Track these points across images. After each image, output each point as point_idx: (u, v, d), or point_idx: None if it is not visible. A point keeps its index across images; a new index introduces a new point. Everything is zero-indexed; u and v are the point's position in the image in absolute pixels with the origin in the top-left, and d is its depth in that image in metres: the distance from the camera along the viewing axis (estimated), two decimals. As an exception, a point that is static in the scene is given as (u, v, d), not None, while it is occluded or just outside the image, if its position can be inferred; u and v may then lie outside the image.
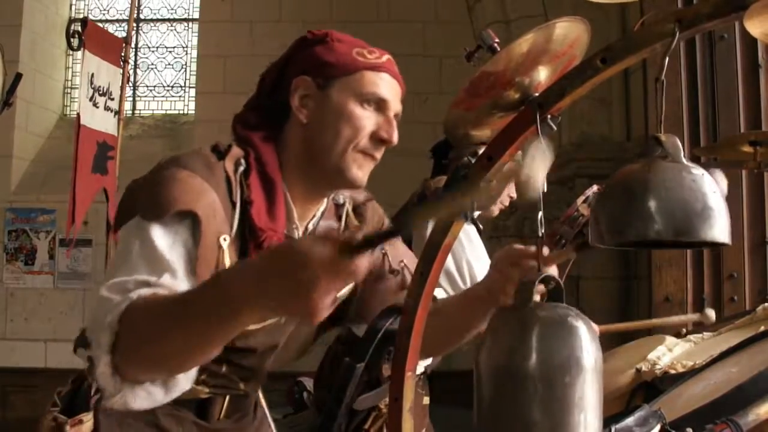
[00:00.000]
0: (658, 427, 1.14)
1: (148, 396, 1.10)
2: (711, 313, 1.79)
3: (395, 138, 1.35)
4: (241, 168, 1.29)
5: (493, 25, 4.89)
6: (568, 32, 0.94)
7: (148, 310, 1.05)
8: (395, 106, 1.37)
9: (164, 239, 1.16)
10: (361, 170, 1.33)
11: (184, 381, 1.12)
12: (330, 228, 1.43)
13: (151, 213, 1.17)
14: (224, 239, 1.22)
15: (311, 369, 2.49)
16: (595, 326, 0.86)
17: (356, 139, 1.31)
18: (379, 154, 1.36)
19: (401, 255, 1.53)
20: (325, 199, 1.43)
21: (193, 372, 1.13)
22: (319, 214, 1.42)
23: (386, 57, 1.39)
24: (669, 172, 0.78)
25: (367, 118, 1.33)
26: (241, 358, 1.36)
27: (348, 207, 1.49)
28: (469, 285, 2.25)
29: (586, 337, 0.81)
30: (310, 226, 1.40)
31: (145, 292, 1.08)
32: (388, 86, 1.36)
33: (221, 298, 0.96)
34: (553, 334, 0.81)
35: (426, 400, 2.28)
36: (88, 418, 1.29)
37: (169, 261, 1.14)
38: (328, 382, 2.15)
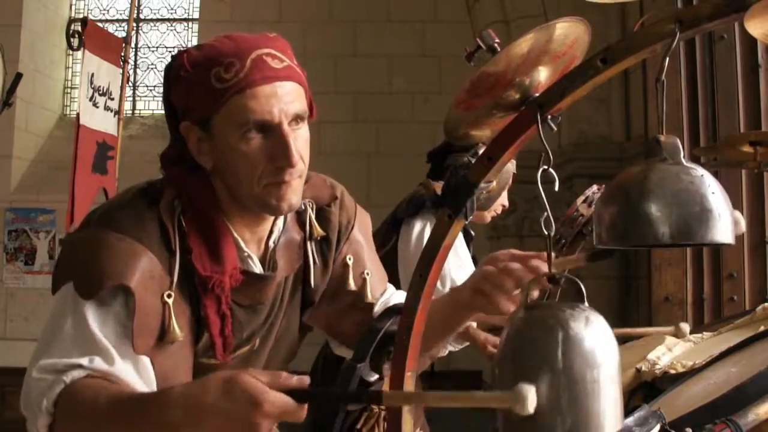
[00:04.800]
0: (658, 427, 1.14)
1: None
2: (685, 327, 1.81)
3: (294, 158, 1.17)
4: (178, 210, 1.22)
5: (493, 25, 4.89)
6: (569, 32, 0.94)
7: (82, 403, 1.08)
8: (286, 111, 1.18)
9: (96, 318, 1.14)
10: (282, 200, 1.20)
11: None
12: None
13: (83, 289, 1.14)
14: (168, 296, 1.17)
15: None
16: None
17: (255, 176, 1.18)
18: (290, 177, 1.20)
19: (365, 264, 1.44)
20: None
21: None
22: (279, 227, 1.34)
23: (251, 59, 1.16)
24: (666, 174, 0.78)
25: (254, 151, 1.17)
26: None
27: (311, 213, 1.37)
28: None
29: (611, 338, 0.81)
30: (271, 243, 1.32)
31: (77, 374, 1.10)
32: (263, 100, 1.16)
33: (158, 419, 1.01)
34: (581, 336, 0.79)
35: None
36: None
37: (101, 342, 1.13)
38: (322, 383, 2.15)
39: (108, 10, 6.80)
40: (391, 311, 1.40)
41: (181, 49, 1.25)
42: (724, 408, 1.18)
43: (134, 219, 1.19)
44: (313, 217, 1.37)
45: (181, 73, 1.20)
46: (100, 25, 4.82)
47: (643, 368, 1.61)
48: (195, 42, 6.53)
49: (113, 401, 1.07)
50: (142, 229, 1.18)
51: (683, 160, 0.80)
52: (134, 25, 5.56)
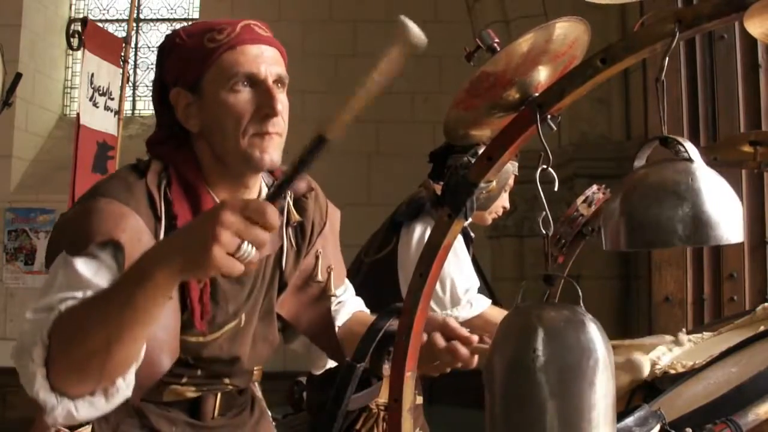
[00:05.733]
0: (658, 427, 1.13)
1: (90, 405, 1.10)
2: (683, 337, 1.83)
3: (278, 107, 1.27)
4: (164, 181, 1.28)
5: (493, 25, 4.90)
6: (568, 32, 0.94)
7: (72, 314, 1.08)
8: (271, 71, 1.29)
9: (88, 269, 1.16)
10: (265, 152, 1.28)
11: (124, 387, 1.11)
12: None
13: (73, 248, 1.17)
14: None
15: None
16: None
17: (241, 127, 1.27)
18: (273, 128, 1.29)
19: (330, 259, 1.53)
20: (258, 186, 1.40)
21: (131, 377, 1.12)
22: None
23: (241, 26, 1.31)
24: (707, 175, 0.79)
25: (242, 102, 1.27)
26: (212, 364, 1.36)
27: (289, 200, 1.45)
28: (450, 299, 2.24)
29: (597, 337, 0.81)
30: None
31: (71, 303, 1.11)
32: (252, 57, 1.29)
33: (134, 268, 1.03)
34: (563, 334, 0.80)
35: (419, 399, 2.28)
36: (85, 428, 1.30)
37: (92, 283, 1.14)
38: (321, 384, 2.15)
39: (108, 10, 6.80)
40: (391, 311, 1.41)
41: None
42: (724, 408, 1.18)
43: (122, 187, 1.25)
44: (291, 203, 1.45)
45: (177, 41, 1.33)
46: (100, 25, 4.83)
47: (643, 368, 1.61)
48: (195, 42, 6.53)
49: (96, 294, 1.09)
50: (131, 196, 1.24)
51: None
52: (134, 25, 5.57)
